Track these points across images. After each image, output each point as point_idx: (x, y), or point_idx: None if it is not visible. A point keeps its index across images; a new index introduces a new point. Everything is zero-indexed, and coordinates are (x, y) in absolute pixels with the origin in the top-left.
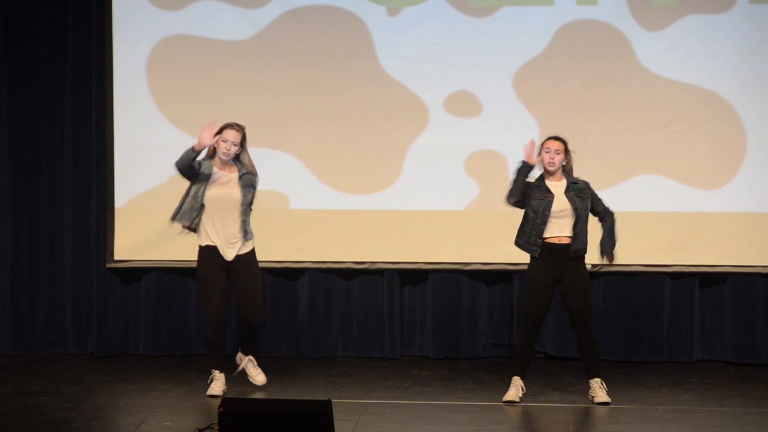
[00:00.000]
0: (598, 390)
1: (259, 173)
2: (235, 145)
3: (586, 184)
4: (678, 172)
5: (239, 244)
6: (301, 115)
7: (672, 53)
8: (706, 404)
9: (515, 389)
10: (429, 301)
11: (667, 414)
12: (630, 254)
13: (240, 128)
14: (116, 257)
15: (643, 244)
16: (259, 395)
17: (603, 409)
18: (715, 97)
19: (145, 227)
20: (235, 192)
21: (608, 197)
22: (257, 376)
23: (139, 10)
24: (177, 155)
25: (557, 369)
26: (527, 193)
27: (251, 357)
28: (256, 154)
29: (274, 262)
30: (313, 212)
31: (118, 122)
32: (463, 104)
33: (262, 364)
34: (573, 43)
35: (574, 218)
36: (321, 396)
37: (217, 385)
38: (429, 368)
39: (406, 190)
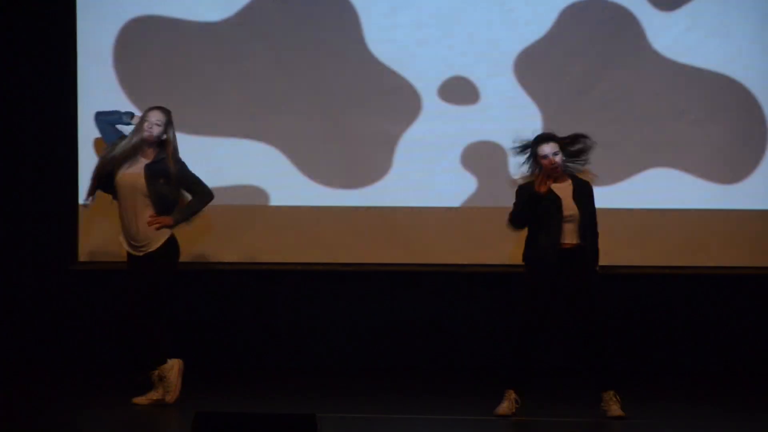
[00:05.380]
0: (611, 403)
1: (235, 166)
2: (158, 126)
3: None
4: (694, 166)
5: (143, 243)
6: (282, 103)
7: (688, 36)
8: (731, 421)
9: (508, 402)
10: (422, 306)
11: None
12: (641, 254)
13: (165, 111)
14: (81, 259)
15: (655, 243)
16: (236, 408)
17: (617, 425)
18: (735, 84)
19: (113, 226)
20: (139, 180)
21: (617, 192)
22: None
23: None
24: None
25: (564, 380)
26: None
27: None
28: (232, 145)
29: (252, 264)
30: (295, 209)
31: (82, 110)
32: (459, 91)
33: (238, 376)
34: (579, 25)
35: (580, 222)
36: (305, 409)
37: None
38: (421, 379)
39: (396, 185)
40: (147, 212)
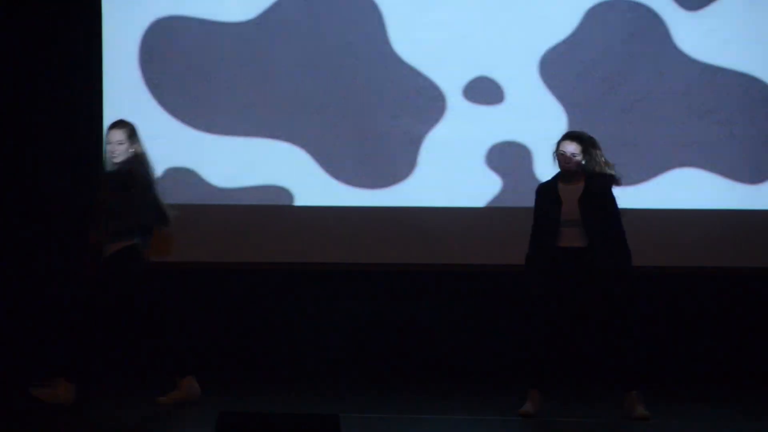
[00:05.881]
0: (635, 404)
1: (260, 166)
2: (120, 144)
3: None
4: (720, 166)
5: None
6: (306, 103)
7: (713, 35)
8: (751, 423)
9: (531, 403)
10: (446, 307)
11: None
12: (667, 254)
13: (123, 125)
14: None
15: (681, 243)
16: (259, 409)
17: (640, 426)
18: (760, 83)
19: None
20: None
21: (643, 192)
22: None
23: None
24: (172, 147)
25: (588, 381)
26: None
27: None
28: (257, 145)
29: (276, 264)
30: (319, 209)
31: (108, 112)
32: (484, 91)
33: (254, 375)
34: (604, 25)
35: (585, 225)
36: (327, 410)
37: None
38: (446, 380)
39: (421, 185)
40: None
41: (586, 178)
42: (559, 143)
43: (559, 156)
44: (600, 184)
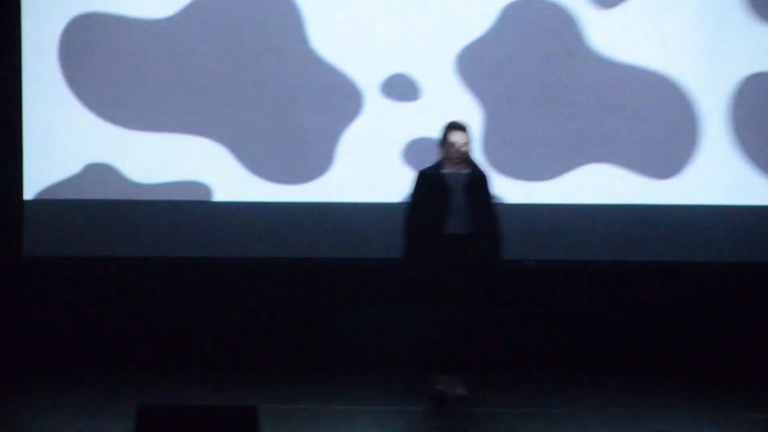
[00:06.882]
0: (459, 384)
1: (178, 162)
2: None
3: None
4: (630, 161)
5: None
6: (225, 99)
7: (623, 35)
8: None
9: (442, 385)
10: (363, 300)
11: None
12: (577, 249)
13: None
14: (26, 253)
15: (591, 238)
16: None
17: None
18: (669, 81)
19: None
20: None
21: (554, 188)
22: None
23: None
24: (90, 142)
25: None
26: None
27: None
28: (175, 140)
29: (194, 259)
30: (237, 204)
31: (27, 107)
32: (401, 88)
33: (172, 369)
34: (519, 23)
35: (471, 212)
36: (245, 401)
37: None
38: (360, 371)
39: (339, 180)
40: None
41: (471, 167)
42: (447, 133)
43: (449, 146)
44: (481, 174)
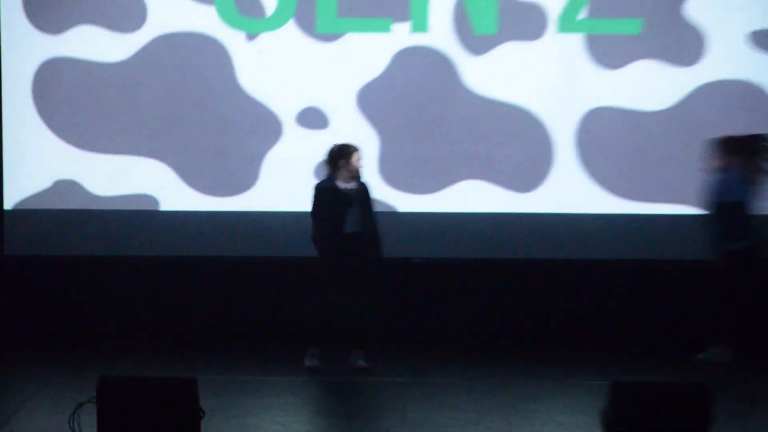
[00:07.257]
0: (359, 358)
1: (131, 178)
2: None
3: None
4: (498, 178)
5: None
6: (170, 127)
7: (492, 76)
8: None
9: (316, 358)
10: (285, 286)
11: None
12: (454, 249)
13: None
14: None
15: (466, 240)
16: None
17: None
18: (528, 114)
19: (32, 227)
20: None
21: (439, 199)
22: None
23: (25, 34)
24: (60, 162)
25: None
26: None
27: None
28: (128, 161)
29: (144, 258)
30: (180, 213)
31: (7, 137)
32: (313, 119)
33: (127, 344)
34: (409, 66)
35: (361, 215)
36: (184, 373)
37: None
38: (291, 344)
39: (263, 193)
40: None
41: (359, 180)
42: (351, 153)
43: (352, 165)
44: (365, 185)
